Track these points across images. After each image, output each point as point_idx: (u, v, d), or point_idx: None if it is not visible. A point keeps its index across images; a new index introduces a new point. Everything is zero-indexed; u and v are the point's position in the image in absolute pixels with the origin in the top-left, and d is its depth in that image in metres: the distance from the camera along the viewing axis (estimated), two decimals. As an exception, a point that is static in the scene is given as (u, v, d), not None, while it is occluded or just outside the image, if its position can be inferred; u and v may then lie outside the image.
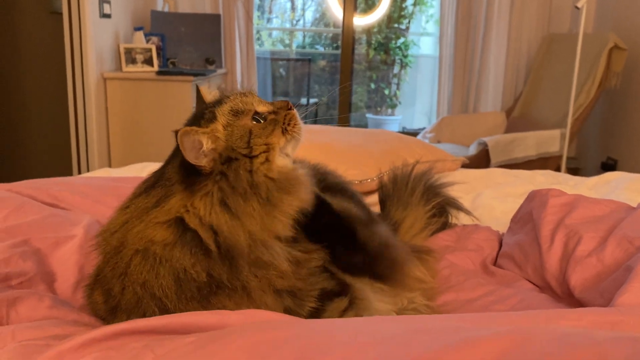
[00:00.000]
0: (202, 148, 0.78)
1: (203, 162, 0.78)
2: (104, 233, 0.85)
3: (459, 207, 1.45)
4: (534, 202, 1.24)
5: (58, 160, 3.74)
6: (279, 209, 0.80)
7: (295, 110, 0.86)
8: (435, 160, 2.00)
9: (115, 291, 0.81)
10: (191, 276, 0.76)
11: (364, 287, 0.93)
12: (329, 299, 0.87)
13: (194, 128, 0.78)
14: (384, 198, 1.35)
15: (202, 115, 0.84)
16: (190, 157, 0.77)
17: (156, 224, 0.79)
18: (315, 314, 0.85)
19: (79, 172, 3.54)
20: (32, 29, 3.71)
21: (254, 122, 0.83)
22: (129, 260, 0.78)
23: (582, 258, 1.03)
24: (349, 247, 0.92)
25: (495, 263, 1.26)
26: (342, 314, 0.88)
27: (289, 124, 0.84)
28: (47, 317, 0.91)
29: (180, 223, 0.78)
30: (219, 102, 0.86)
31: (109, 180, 1.63)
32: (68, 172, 3.54)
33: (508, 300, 1.03)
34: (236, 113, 0.83)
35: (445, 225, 1.44)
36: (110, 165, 3.53)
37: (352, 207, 0.98)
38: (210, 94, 0.94)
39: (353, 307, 0.89)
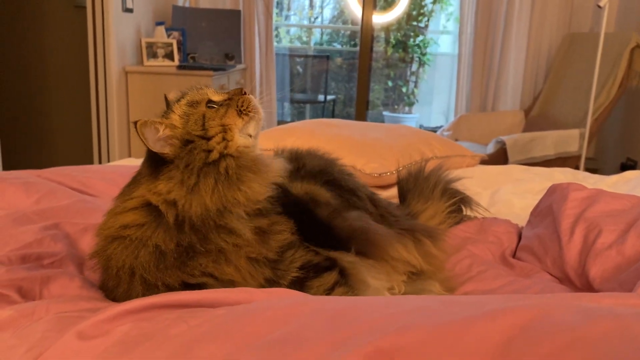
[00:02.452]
0: (160, 135, 0.86)
1: (166, 150, 0.86)
2: (97, 240, 0.91)
3: (476, 207, 1.46)
4: (555, 196, 1.24)
5: (80, 151, 3.81)
6: (243, 183, 0.87)
7: (249, 95, 0.93)
8: (454, 155, 2.01)
9: (110, 286, 0.89)
10: (165, 248, 0.82)
11: (355, 261, 0.95)
12: (315, 271, 0.90)
13: (151, 119, 0.86)
14: (405, 192, 1.37)
15: (165, 112, 0.93)
16: (153, 146, 0.85)
17: (127, 211, 0.86)
18: (298, 282, 0.88)
19: (100, 164, 3.60)
20: (56, 23, 3.78)
21: (208, 108, 0.90)
22: (111, 252, 0.85)
23: (602, 250, 1.04)
24: (311, 226, 0.95)
25: (514, 256, 1.27)
26: (333, 288, 0.90)
27: (242, 106, 0.91)
28: (78, 296, 0.94)
29: (149, 206, 0.85)
30: (177, 99, 0.94)
31: (135, 168, 1.66)
32: (89, 163, 3.61)
33: (528, 291, 1.04)
34: (192, 104, 0.91)
35: (461, 221, 1.45)
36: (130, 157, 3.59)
37: (321, 191, 1.03)
38: (173, 95, 1.01)
39: (344, 281, 0.92)
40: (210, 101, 0.91)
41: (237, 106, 0.91)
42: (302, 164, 1.10)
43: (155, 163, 0.87)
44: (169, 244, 0.82)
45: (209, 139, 0.87)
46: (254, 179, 0.88)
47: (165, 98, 1.00)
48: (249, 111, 0.91)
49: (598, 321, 0.43)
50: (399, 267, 1.02)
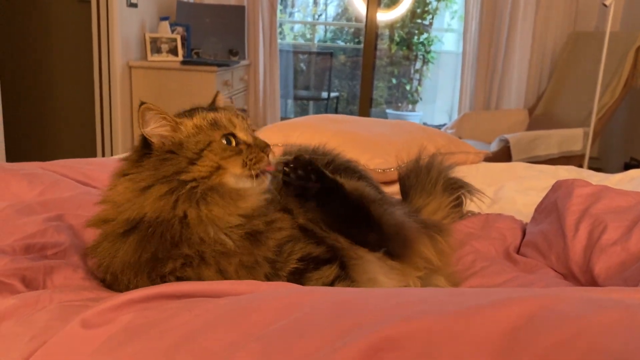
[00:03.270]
0: (154, 127, 0.83)
1: (154, 139, 0.84)
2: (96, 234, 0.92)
3: (479, 195, 1.45)
4: (559, 192, 1.24)
5: (83, 145, 3.81)
6: (207, 204, 0.81)
7: (268, 156, 0.87)
8: (458, 152, 2.01)
9: (108, 282, 0.89)
10: (131, 256, 0.81)
11: (369, 259, 0.94)
12: (315, 264, 0.88)
13: (159, 108, 0.83)
14: (407, 189, 1.36)
15: (191, 111, 0.90)
16: (145, 130, 0.83)
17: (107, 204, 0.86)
18: (298, 274, 0.86)
19: (103, 157, 3.60)
20: (61, 17, 3.78)
21: (223, 140, 0.85)
22: (101, 250, 0.86)
23: (606, 246, 1.04)
24: (362, 226, 0.94)
25: (518, 252, 1.26)
26: (332, 283, 0.88)
27: (251, 160, 0.85)
28: (81, 286, 0.94)
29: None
30: (212, 109, 0.90)
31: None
32: (92, 157, 3.61)
33: (532, 286, 1.03)
34: (215, 124, 0.86)
35: (464, 216, 1.44)
36: (133, 153, 3.59)
37: (364, 185, 1.01)
38: (223, 101, 0.99)
39: (345, 275, 0.90)
40: (231, 135, 0.86)
41: (247, 157, 0.85)
42: (331, 159, 1.08)
43: (142, 150, 0.85)
44: (132, 255, 0.81)
45: (192, 164, 0.82)
46: (220, 204, 0.82)
47: (217, 94, 0.99)
48: (255, 168, 0.85)
49: (605, 311, 0.43)
50: (420, 264, 1.03)
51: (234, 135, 0.86)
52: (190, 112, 0.89)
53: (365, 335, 0.45)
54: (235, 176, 0.84)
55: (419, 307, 0.48)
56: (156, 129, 0.84)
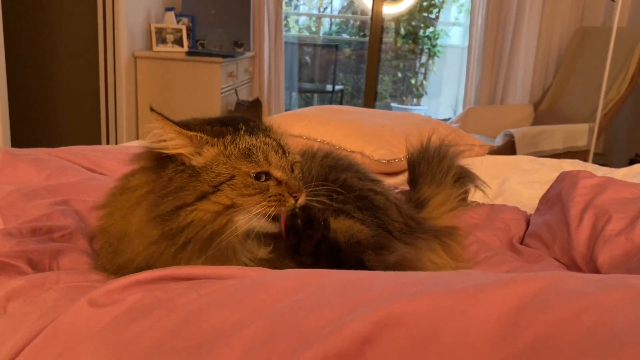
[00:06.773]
0: (173, 143, 0.75)
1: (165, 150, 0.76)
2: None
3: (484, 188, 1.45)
4: (564, 183, 1.24)
5: (88, 134, 3.82)
6: (182, 258, 0.76)
7: (296, 200, 0.78)
8: (463, 144, 2.01)
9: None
10: None
11: None
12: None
13: (175, 126, 0.75)
14: (417, 176, 1.33)
15: (222, 126, 0.79)
16: (152, 143, 0.77)
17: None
18: None
19: (108, 148, 3.61)
20: (66, 7, 3.78)
21: (251, 175, 0.76)
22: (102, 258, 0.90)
23: (610, 237, 1.04)
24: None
25: (522, 242, 1.27)
26: None
27: (271, 200, 0.76)
28: (88, 270, 0.95)
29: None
30: (251, 130, 0.80)
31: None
32: (97, 148, 3.62)
33: (534, 276, 1.04)
34: (248, 156, 0.77)
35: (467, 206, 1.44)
36: (138, 143, 3.60)
37: (360, 227, 0.95)
38: (265, 114, 0.91)
39: None
40: (264, 173, 0.77)
41: (269, 196, 0.76)
42: (343, 179, 1.03)
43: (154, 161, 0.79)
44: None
45: (202, 198, 0.73)
46: (187, 250, 0.76)
47: (258, 105, 0.91)
48: (274, 210, 0.76)
49: (611, 290, 0.44)
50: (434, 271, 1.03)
51: (267, 174, 0.77)
52: (220, 130, 0.78)
53: (371, 311, 0.45)
54: (249, 214, 0.76)
55: (426, 285, 0.49)
56: (172, 147, 0.76)
